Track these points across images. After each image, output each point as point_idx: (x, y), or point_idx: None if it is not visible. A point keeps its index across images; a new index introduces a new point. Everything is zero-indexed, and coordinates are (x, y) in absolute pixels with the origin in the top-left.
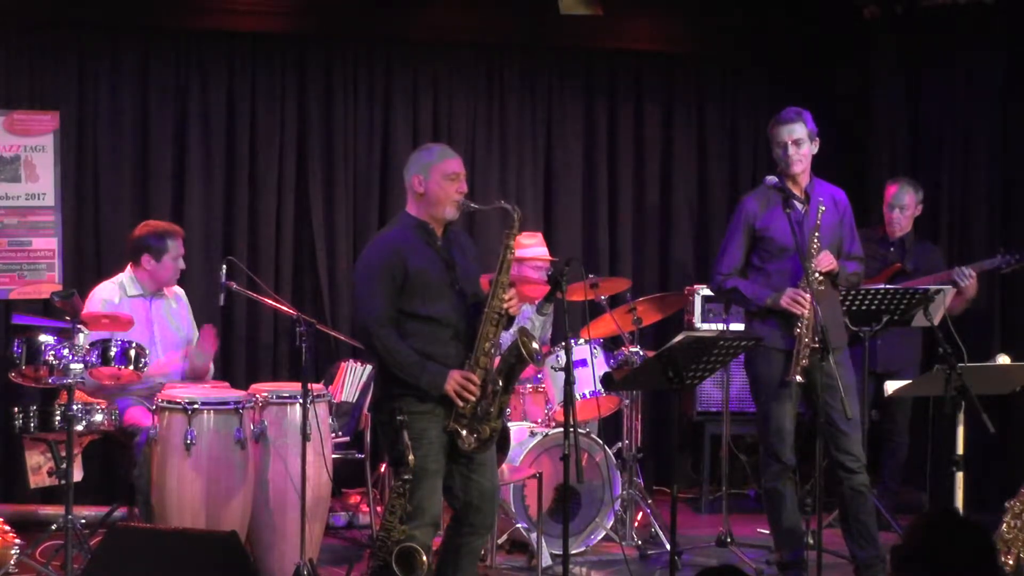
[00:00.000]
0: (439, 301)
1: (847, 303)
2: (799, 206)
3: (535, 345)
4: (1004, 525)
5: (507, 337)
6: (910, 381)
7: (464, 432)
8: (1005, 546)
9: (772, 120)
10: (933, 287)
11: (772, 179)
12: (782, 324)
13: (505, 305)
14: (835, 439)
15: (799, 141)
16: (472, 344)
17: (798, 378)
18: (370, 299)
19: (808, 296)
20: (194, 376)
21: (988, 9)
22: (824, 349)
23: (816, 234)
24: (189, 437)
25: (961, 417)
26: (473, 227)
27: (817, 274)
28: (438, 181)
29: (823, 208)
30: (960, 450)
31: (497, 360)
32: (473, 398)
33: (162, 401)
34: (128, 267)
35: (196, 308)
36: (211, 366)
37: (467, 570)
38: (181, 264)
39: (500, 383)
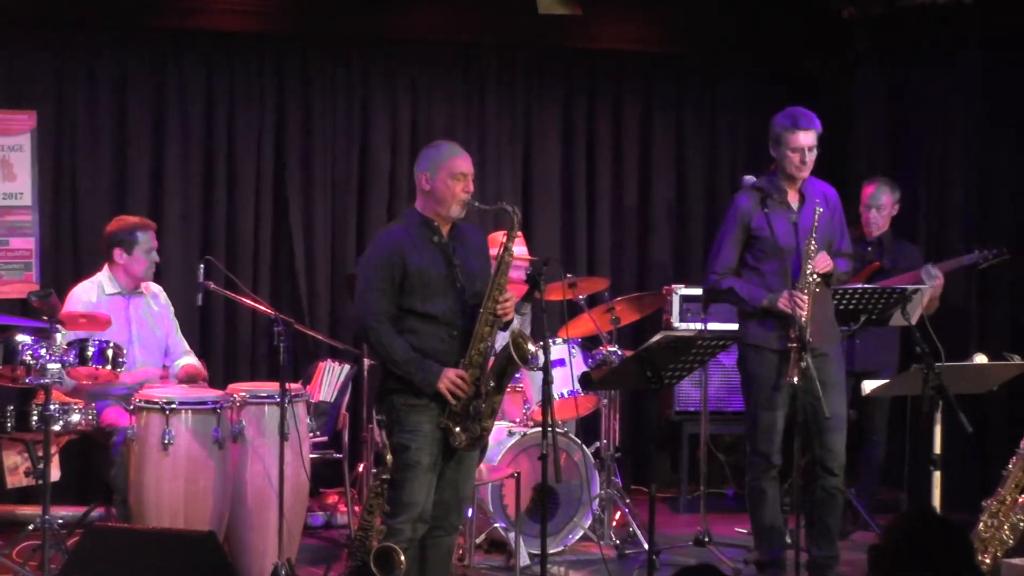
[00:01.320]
0: (439, 299)
1: None
2: (793, 206)
3: (530, 347)
4: (981, 524)
5: (503, 337)
6: (887, 380)
7: (457, 429)
8: (982, 545)
9: (785, 122)
10: (911, 286)
11: (750, 179)
12: (778, 325)
13: (500, 308)
14: (821, 438)
15: (813, 148)
16: (470, 343)
17: (795, 379)
18: (368, 294)
19: (806, 298)
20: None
21: (966, 9)
22: (802, 348)
23: (813, 235)
24: (167, 437)
25: (939, 416)
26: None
27: (814, 276)
28: (444, 179)
29: (820, 210)
30: (938, 449)
31: (492, 360)
32: (465, 397)
33: (140, 401)
34: (105, 266)
35: (175, 308)
36: (205, 375)
37: (436, 568)
38: (155, 257)
39: (492, 383)
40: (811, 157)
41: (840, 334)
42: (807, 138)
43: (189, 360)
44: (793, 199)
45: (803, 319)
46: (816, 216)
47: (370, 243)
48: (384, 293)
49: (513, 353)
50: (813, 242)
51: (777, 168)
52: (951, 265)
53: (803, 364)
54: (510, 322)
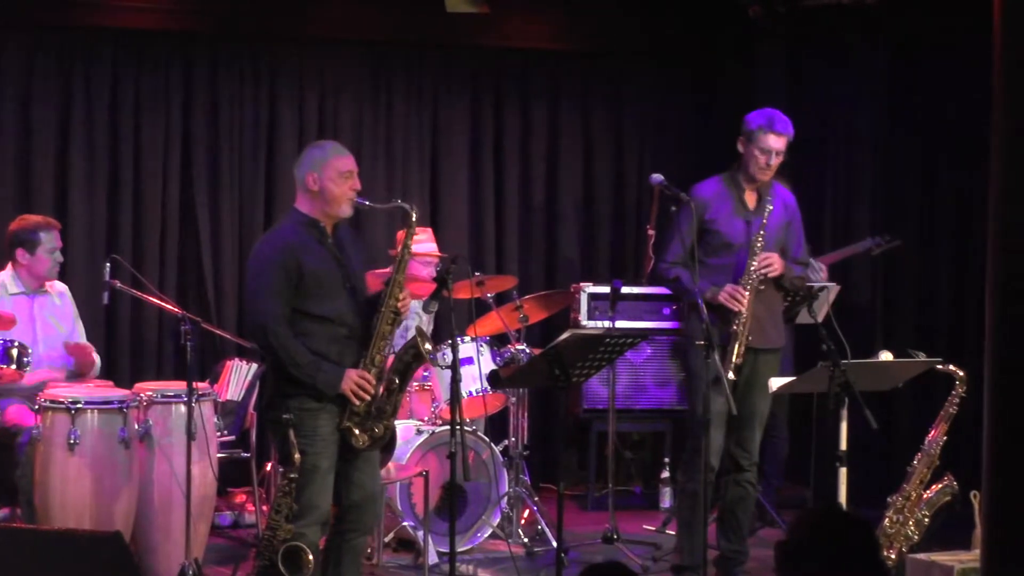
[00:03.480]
0: (333, 300)
1: None
2: (749, 205)
3: (427, 346)
4: (886, 520)
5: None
6: (794, 378)
7: (357, 431)
8: (887, 540)
9: (761, 121)
10: (817, 284)
11: (657, 177)
12: (719, 321)
13: (400, 306)
14: (737, 434)
15: (781, 153)
16: (365, 343)
17: (731, 375)
18: (266, 298)
19: (747, 294)
20: (79, 373)
21: (869, 8)
22: (709, 346)
23: (761, 233)
24: (73, 437)
25: (844, 413)
26: (361, 225)
27: (759, 274)
28: (333, 179)
29: (770, 208)
30: (844, 446)
31: (391, 359)
32: (369, 397)
33: (45, 400)
34: (8, 266)
35: (80, 307)
36: (96, 361)
37: (349, 569)
38: (58, 257)
39: (396, 381)
40: (777, 161)
41: (785, 336)
42: (778, 142)
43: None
44: (751, 199)
45: (743, 315)
46: (766, 215)
47: (257, 246)
48: (281, 296)
49: (420, 348)
50: (760, 239)
51: (740, 165)
52: (845, 253)
53: (709, 361)
54: (402, 319)
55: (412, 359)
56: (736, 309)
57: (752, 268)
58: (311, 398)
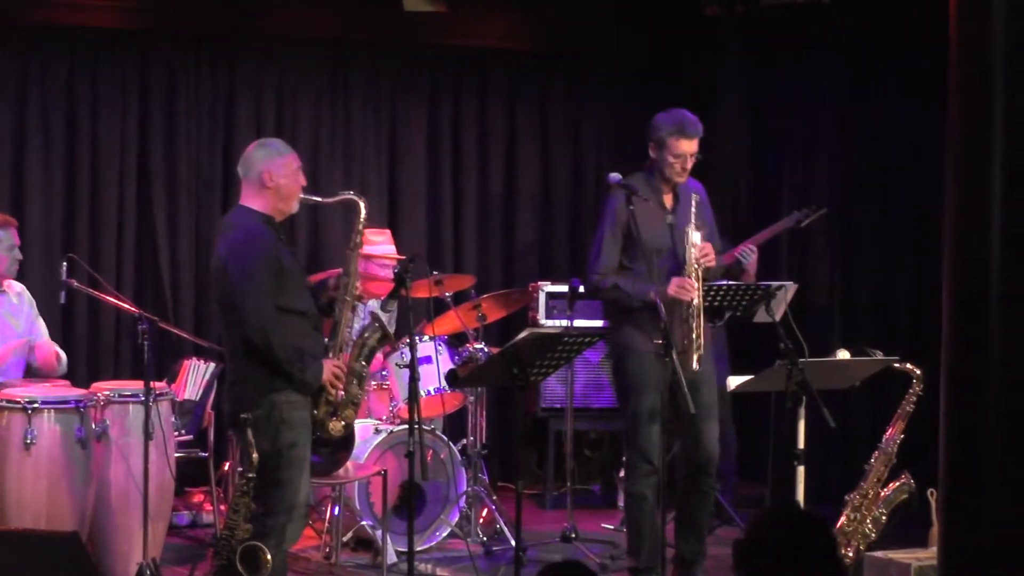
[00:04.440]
0: (302, 295)
1: None
2: (668, 207)
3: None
4: (844, 518)
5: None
6: (752, 377)
7: (332, 420)
8: (845, 538)
9: (671, 127)
10: (775, 283)
11: (616, 176)
12: (652, 325)
13: (357, 293)
14: (693, 433)
15: (695, 155)
16: (323, 335)
17: (696, 365)
18: (258, 298)
19: (695, 283)
20: (44, 371)
21: (826, 8)
22: (668, 346)
23: (694, 222)
24: (29, 436)
25: (802, 412)
26: (317, 222)
27: (699, 262)
28: (287, 175)
29: (697, 197)
30: (801, 444)
31: (350, 348)
32: (343, 385)
33: (1, 400)
34: None
35: (37, 306)
36: (59, 359)
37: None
38: (17, 255)
39: (364, 365)
40: (691, 163)
41: (712, 331)
42: (691, 145)
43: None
44: (668, 200)
45: (695, 304)
46: (694, 204)
47: (235, 244)
48: (271, 294)
49: (385, 330)
50: (693, 228)
51: (654, 167)
52: (774, 230)
53: (667, 360)
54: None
55: (377, 342)
56: (687, 299)
57: (693, 257)
58: (296, 392)
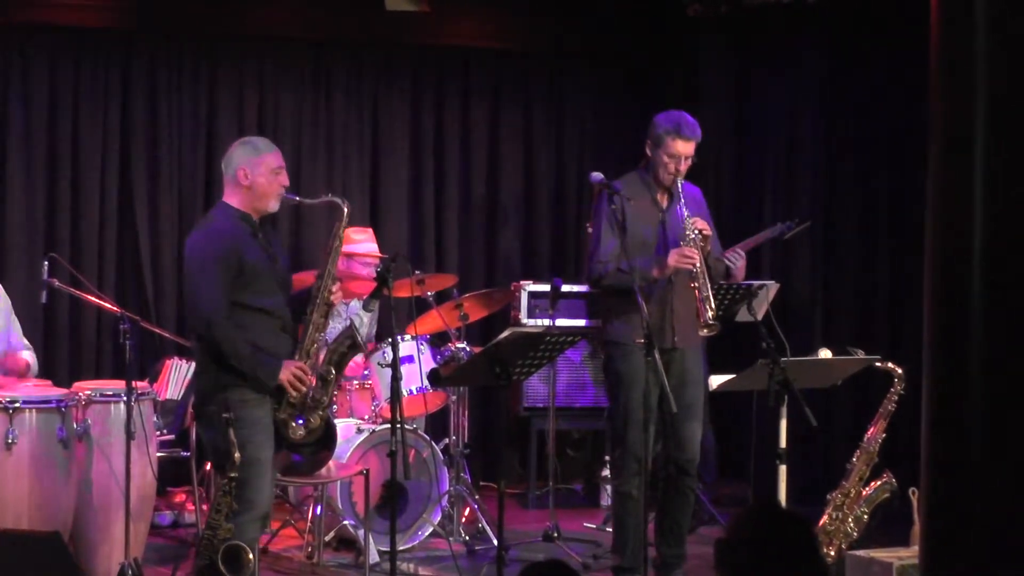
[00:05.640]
0: (268, 293)
1: None
2: (662, 205)
3: (359, 338)
4: (825, 517)
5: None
6: (734, 376)
7: (293, 422)
8: (827, 537)
9: (669, 126)
10: (757, 282)
11: (598, 176)
12: (641, 321)
13: (333, 297)
14: (675, 433)
15: (691, 157)
16: (295, 336)
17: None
18: (209, 291)
19: (696, 251)
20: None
21: (809, 8)
22: (650, 345)
23: (687, 211)
24: (10, 436)
25: (784, 411)
26: (301, 222)
27: (696, 233)
28: (264, 174)
29: (680, 184)
30: (783, 443)
31: (323, 352)
32: (305, 388)
33: None
34: None
35: (18, 306)
36: (29, 361)
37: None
38: None
39: (332, 371)
40: (686, 165)
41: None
42: (687, 147)
43: (25, 355)
44: (662, 198)
45: (697, 268)
46: (685, 212)
47: (196, 237)
48: (223, 288)
49: (356, 337)
50: (687, 212)
51: (649, 166)
52: (759, 239)
53: (649, 359)
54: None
55: (348, 349)
56: (689, 266)
57: (690, 227)
58: (250, 390)
